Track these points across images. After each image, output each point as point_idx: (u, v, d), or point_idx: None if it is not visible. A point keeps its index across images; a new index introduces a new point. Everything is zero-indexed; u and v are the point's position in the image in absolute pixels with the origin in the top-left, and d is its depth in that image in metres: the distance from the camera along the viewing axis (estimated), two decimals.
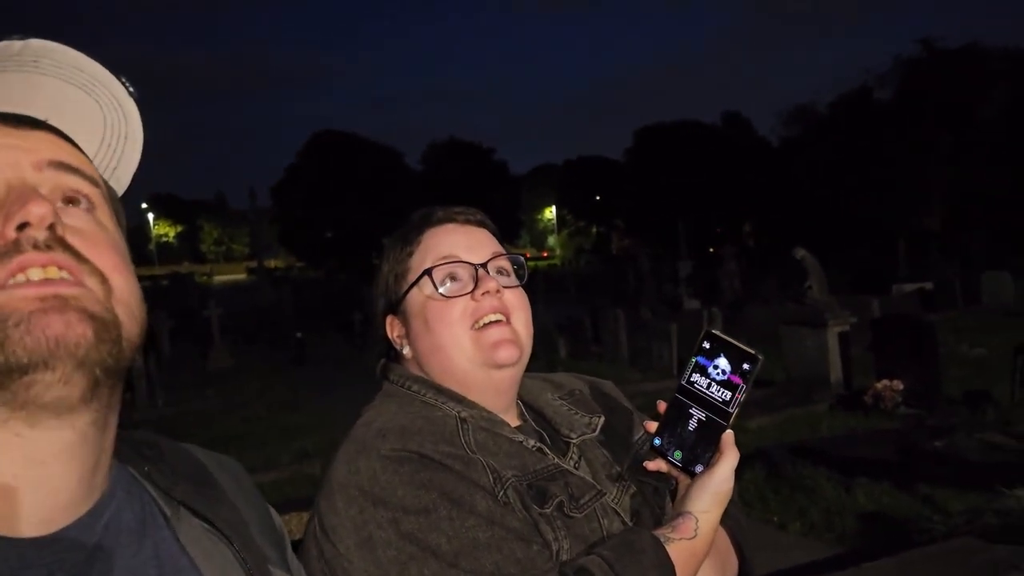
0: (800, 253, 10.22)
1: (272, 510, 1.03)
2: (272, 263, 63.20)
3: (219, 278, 65.61)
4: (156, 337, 18.15)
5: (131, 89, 0.87)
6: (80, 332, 0.72)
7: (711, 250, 41.91)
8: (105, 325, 0.75)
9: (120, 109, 0.89)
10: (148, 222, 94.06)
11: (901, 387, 8.02)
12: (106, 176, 0.90)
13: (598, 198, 63.23)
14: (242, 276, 65.85)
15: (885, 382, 8.15)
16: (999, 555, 3.67)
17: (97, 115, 0.88)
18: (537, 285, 22.75)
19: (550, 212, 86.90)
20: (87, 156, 0.88)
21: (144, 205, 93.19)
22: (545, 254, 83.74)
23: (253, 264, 50.80)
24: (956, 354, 10.75)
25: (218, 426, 10.62)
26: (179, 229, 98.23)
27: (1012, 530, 4.22)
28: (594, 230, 70.38)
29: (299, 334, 18.44)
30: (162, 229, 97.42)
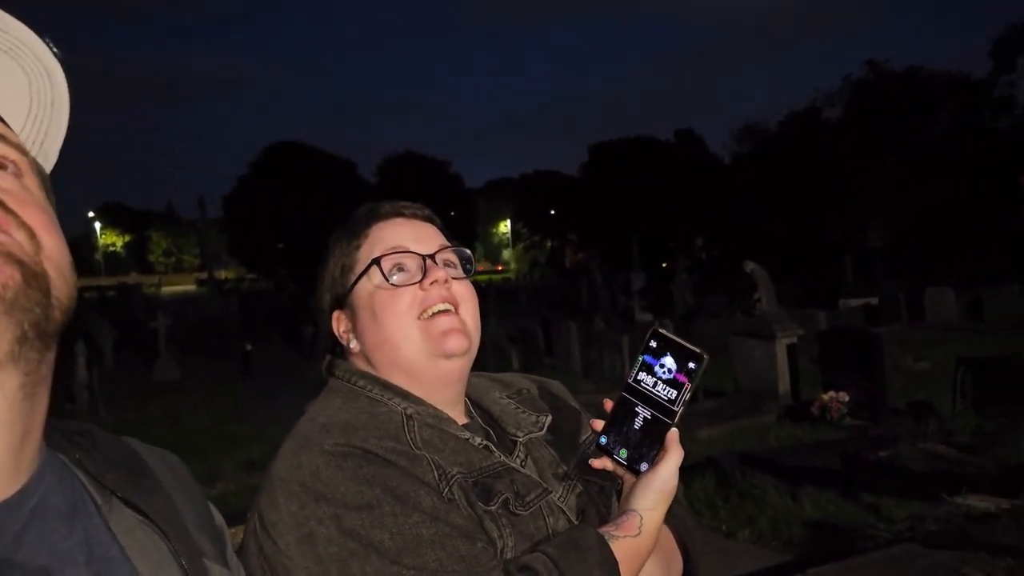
0: (750, 266, 10.39)
1: (212, 506, 1.01)
2: (223, 274, 62.20)
3: (168, 289, 64.25)
4: (98, 347, 17.73)
5: (55, 50, 0.84)
6: (8, 274, 0.70)
7: (664, 264, 42.36)
8: (34, 274, 0.72)
9: (45, 74, 0.86)
10: (95, 231, 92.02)
11: (847, 398, 8.18)
12: (34, 152, 0.87)
13: (552, 212, 63.61)
14: (192, 287, 64.66)
15: (832, 393, 8.30)
16: (939, 560, 3.75)
17: (23, 84, 0.85)
18: (491, 297, 22.74)
19: (505, 226, 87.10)
20: (14, 131, 0.85)
21: (91, 214, 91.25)
22: (500, 267, 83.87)
23: (203, 275, 50.02)
24: (900, 367, 10.99)
25: (161, 436, 10.38)
26: (127, 239, 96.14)
27: (952, 536, 4.31)
28: (548, 244, 70.72)
29: (248, 345, 18.17)
30: (109, 239, 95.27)
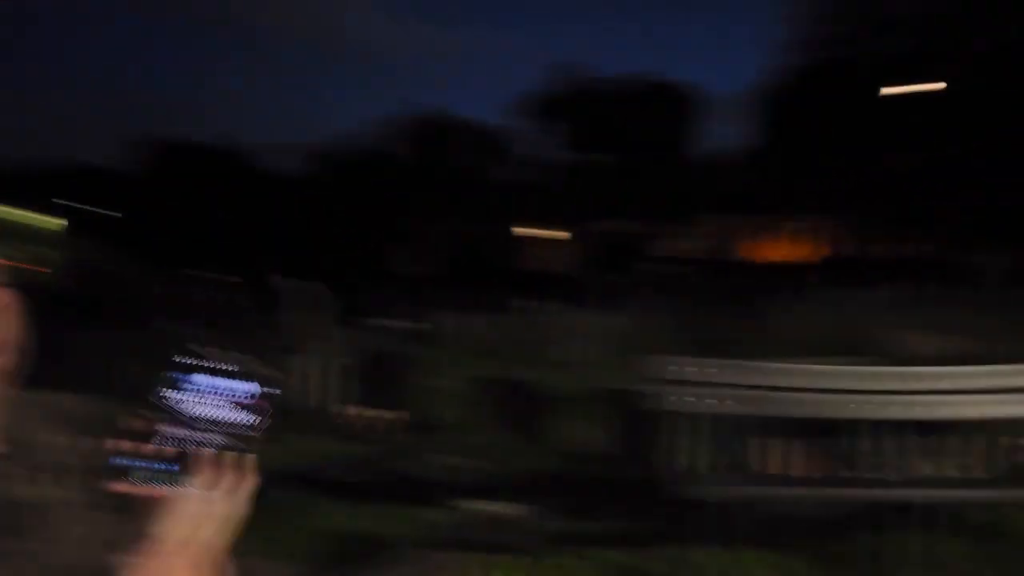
0: (283, 283, 10.53)
1: None
2: None
3: None
4: None
5: None
6: None
7: (209, 275, 40.93)
8: None
9: None
10: None
11: (383, 414, 8.72)
12: None
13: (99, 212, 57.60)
14: None
15: (369, 409, 8.78)
16: (450, 559, 4.17)
17: None
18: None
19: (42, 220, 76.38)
20: None
21: None
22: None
23: None
24: (429, 385, 11.90)
25: None
26: None
27: (464, 539, 4.84)
28: (87, 245, 63.66)
29: None
30: None
